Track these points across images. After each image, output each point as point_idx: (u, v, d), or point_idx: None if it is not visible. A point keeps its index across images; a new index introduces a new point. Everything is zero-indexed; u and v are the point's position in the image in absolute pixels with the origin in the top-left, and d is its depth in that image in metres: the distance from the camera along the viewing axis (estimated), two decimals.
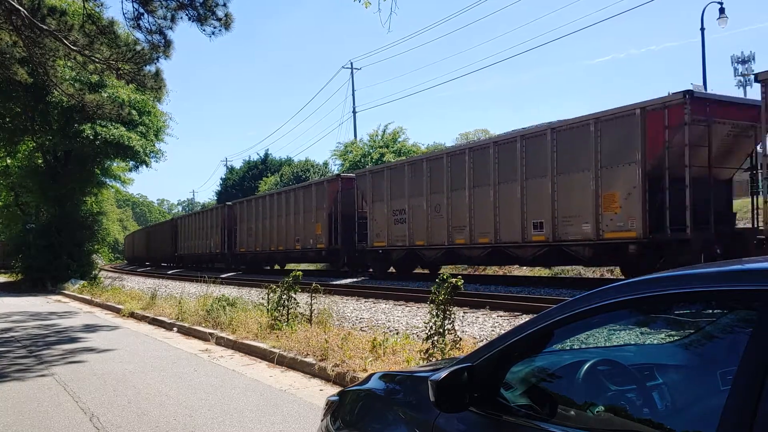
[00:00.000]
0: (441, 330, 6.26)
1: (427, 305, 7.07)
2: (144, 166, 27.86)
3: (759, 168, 12.07)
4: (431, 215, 17.67)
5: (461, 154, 16.74)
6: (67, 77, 19.81)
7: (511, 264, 18.15)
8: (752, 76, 11.45)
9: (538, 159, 14.13)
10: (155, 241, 48.38)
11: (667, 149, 11.75)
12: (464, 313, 10.05)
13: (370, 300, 13.47)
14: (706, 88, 16.62)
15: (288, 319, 9.09)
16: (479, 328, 8.68)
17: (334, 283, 17.28)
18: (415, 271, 20.86)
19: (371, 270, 21.72)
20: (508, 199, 15.01)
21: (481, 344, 4.20)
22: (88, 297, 18.54)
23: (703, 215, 11.87)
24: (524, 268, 18.85)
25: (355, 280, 20.50)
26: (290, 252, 25.91)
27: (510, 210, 14.95)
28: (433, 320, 6.35)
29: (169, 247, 43.09)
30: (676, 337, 2.10)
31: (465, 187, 16.37)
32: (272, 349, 7.68)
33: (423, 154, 26.93)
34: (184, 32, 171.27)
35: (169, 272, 33.57)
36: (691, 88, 11.73)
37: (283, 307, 9.25)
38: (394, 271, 20.92)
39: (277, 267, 30.24)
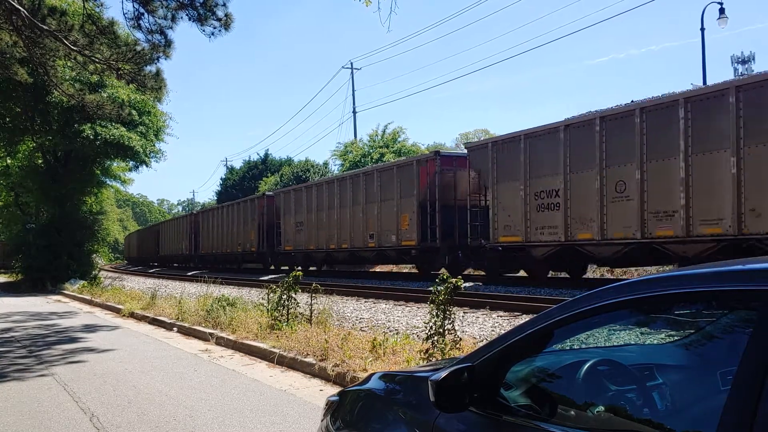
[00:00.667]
0: (441, 330, 6.26)
1: (427, 305, 7.07)
2: (144, 166, 27.93)
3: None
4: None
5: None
6: (67, 77, 19.82)
7: None
8: None
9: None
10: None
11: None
12: (464, 313, 10.05)
13: (370, 300, 13.47)
14: None
15: (288, 319, 9.09)
16: (479, 328, 8.68)
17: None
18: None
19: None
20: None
21: (481, 344, 4.21)
22: (88, 297, 18.55)
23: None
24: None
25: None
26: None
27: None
28: (433, 320, 6.35)
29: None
30: (676, 337, 2.10)
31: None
32: (272, 349, 7.68)
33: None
34: (184, 32, 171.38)
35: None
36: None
37: (283, 307, 9.25)
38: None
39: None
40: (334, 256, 23.68)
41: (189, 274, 29.78)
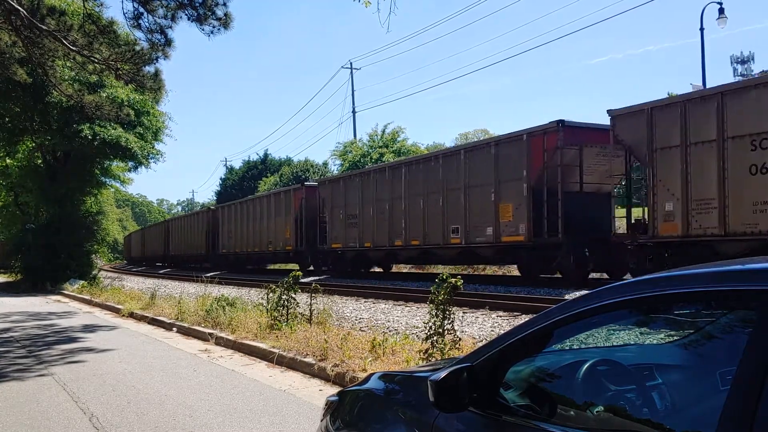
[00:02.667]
0: (440, 330, 6.26)
1: (426, 305, 7.07)
2: (143, 167, 27.90)
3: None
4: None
5: None
6: (66, 77, 19.79)
7: None
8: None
9: None
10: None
11: None
12: (464, 313, 10.05)
13: (370, 300, 13.47)
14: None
15: (288, 319, 9.09)
16: (479, 328, 8.67)
17: None
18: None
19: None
20: None
21: (480, 344, 4.20)
22: (87, 297, 18.54)
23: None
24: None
25: None
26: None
27: None
28: (432, 320, 6.35)
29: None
30: (675, 337, 2.10)
31: None
32: (272, 349, 7.68)
33: None
34: (184, 32, 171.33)
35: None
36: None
37: (283, 307, 9.25)
38: None
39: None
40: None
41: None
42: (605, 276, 15.15)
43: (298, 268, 23.95)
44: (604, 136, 13.54)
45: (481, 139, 21.24)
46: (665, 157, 11.62)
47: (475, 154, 16.51)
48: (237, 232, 30.72)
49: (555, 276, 16.36)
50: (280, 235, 26.09)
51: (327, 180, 24.39)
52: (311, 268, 24.59)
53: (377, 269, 23.14)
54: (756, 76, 12.47)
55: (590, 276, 14.78)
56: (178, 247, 40.12)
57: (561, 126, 14.04)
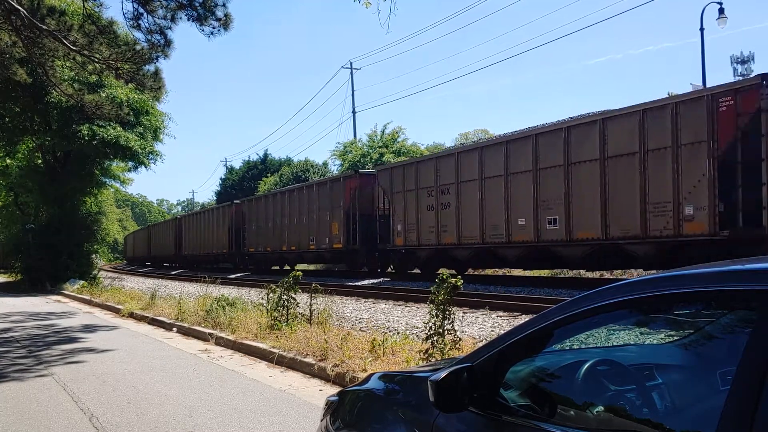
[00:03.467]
0: (440, 330, 6.26)
1: (426, 305, 7.07)
2: (143, 167, 27.89)
3: None
4: None
5: None
6: (66, 77, 19.79)
7: None
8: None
9: None
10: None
11: None
12: (464, 313, 10.05)
13: (370, 300, 13.46)
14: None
15: (288, 320, 9.09)
16: (479, 328, 8.67)
17: None
18: None
19: None
20: None
21: (480, 344, 4.20)
22: (87, 297, 18.54)
23: None
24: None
25: None
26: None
27: None
28: (432, 320, 6.35)
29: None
30: (675, 337, 2.10)
31: None
32: (272, 350, 7.68)
33: None
34: (184, 32, 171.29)
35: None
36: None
37: (283, 307, 9.25)
38: None
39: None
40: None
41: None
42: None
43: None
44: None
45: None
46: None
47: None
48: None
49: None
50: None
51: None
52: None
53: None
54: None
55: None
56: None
57: None
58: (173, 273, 33.55)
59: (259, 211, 25.82)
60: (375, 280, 19.10)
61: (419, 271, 18.99)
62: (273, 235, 26.37)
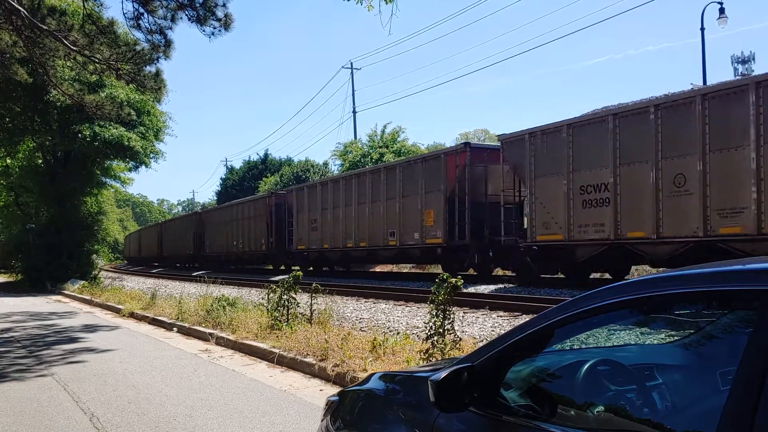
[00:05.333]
0: (441, 330, 6.26)
1: (427, 305, 7.07)
2: (144, 167, 27.92)
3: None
4: None
5: None
6: (67, 77, 19.81)
7: None
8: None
9: None
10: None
11: None
12: (464, 313, 10.05)
13: (370, 300, 13.47)
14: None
15: (288, 319, 9.09)
16: (479, 328, 8.67)
17: None
18: None
19: None
20: None
21: (480, 344, 4.21)
22: (87, 297, 18.54)
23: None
24: None
25: None
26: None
27: None
28: (432, 320, 6.35)
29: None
30: (676, 337, 2.10)
31: None
32: (272, 349, 7.68)
33: None
34: (184, 32, 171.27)
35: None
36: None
37: (284, 307, 9.25)
38: None
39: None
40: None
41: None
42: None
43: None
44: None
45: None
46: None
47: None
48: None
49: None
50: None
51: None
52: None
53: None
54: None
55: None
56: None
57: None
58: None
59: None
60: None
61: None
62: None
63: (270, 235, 25.31)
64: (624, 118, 12.35)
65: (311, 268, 24.03)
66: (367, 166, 27.11)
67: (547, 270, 14.70)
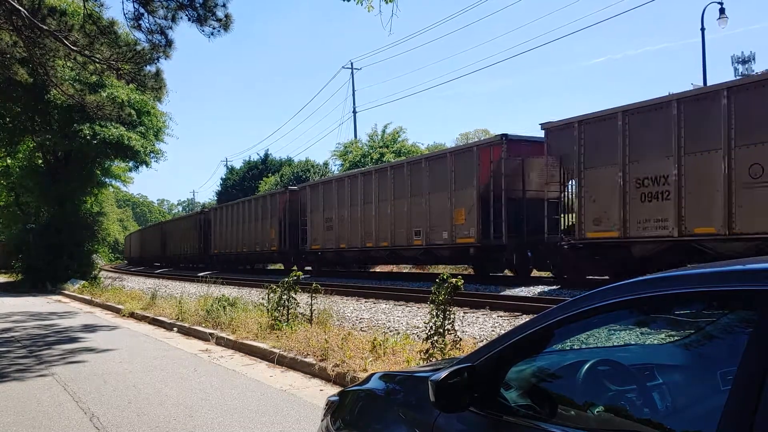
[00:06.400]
0: (441, 330, 6.26)
1: (427, 305, 7.07)
2: (144, 166, 27.95)
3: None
4: None
5: None
6: (67, 77, 19.82)
7: None
8: None
9: None
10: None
11: None
12: (464, 313, 10.05)
13: (371, 300, 13.47)
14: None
15: (288, 319, 9.09)
16: (479, 328, 8.67)
17: None
18: None
19: None
20: None
21: (481, 344, 4.21)
22: (88, 297, 18.54)
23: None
24: None
25: None
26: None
27: None
28: (433, 320, 6.35)
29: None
30: (676, 337, 2.10)
31: None
32: (272, 349, 7.68)
33: None
34: (184, 32, 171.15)
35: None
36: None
37: (284, 307, 9.25)
38: None
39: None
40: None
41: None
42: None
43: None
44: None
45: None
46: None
47: None
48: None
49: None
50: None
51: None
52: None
53: None
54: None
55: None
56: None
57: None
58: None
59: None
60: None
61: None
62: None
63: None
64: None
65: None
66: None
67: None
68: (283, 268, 26.38)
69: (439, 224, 16.87)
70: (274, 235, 25.01)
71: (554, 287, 13.62)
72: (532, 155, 15.22)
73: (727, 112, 10.58)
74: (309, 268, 22.87)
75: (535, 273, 17.07)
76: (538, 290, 13.28)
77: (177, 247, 40.00)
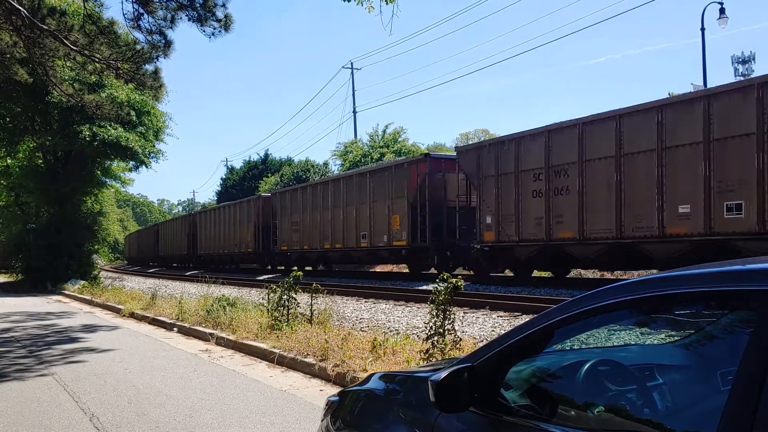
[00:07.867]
0: (441, 330, 6.26)
1: (427, 305, 7.07)
2: (144, 167, 27.92)
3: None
4: None
5: None
6: (67, 77, 19.82)
7: None
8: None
9: None
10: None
11: None
12: (464, 313, 10.05)
13: (371, 300, 13.46)
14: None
15: (288, 320, 9.09)
16: (479, 328, 8.67)
17: None
18: None
19: None
20: None
21: (481, 344, 4.20)
22: (88, 297, 18.54)
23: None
24: None
25: None
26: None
27: None
28: (433, 320, 6.35)
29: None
30: (676, 337, 2.10)
31: None
32: (272, 350, 7.68)
33: None
34: (184, 32, 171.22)
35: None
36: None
37: (284, 308, 9.25)
38: None
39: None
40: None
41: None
42: None
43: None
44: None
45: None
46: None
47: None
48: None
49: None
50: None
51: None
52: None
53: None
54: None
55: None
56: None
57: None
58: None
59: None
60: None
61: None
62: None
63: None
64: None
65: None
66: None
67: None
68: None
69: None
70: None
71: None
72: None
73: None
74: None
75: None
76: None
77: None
